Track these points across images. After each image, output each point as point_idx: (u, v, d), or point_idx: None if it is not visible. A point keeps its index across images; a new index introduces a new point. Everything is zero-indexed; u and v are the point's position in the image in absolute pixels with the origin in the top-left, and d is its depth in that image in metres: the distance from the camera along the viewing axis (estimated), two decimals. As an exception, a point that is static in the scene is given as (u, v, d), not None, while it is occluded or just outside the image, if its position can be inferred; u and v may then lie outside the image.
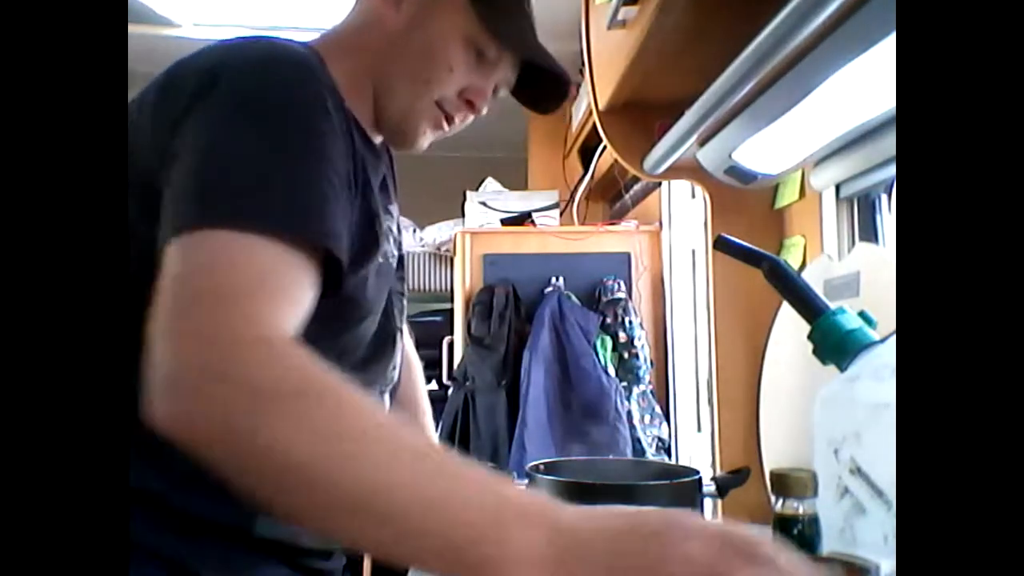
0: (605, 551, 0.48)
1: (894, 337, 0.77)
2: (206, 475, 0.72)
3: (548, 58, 0.87)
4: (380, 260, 0.81)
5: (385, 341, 0.88)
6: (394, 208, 0.92)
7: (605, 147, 1.64)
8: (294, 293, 0.61)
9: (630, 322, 2.19)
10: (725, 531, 0.48)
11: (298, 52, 0.73)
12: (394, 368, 0.92)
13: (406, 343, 1.21)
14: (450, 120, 0.87)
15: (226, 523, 0.74)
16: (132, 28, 2.41)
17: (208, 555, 0.73)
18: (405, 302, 0.96)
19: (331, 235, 0.65)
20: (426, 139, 0.88)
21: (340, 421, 0.53)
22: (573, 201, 2.67)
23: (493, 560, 0.48)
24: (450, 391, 2.35)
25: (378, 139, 0.89)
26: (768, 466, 1.22)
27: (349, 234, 0.71)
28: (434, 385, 2.72)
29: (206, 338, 0.55)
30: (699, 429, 2.05)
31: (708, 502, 1.14)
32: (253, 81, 0.68)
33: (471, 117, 0.88)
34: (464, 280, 2.34)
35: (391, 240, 0.87)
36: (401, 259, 0.95)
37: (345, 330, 0.79)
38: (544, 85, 0.91)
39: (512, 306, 2.23)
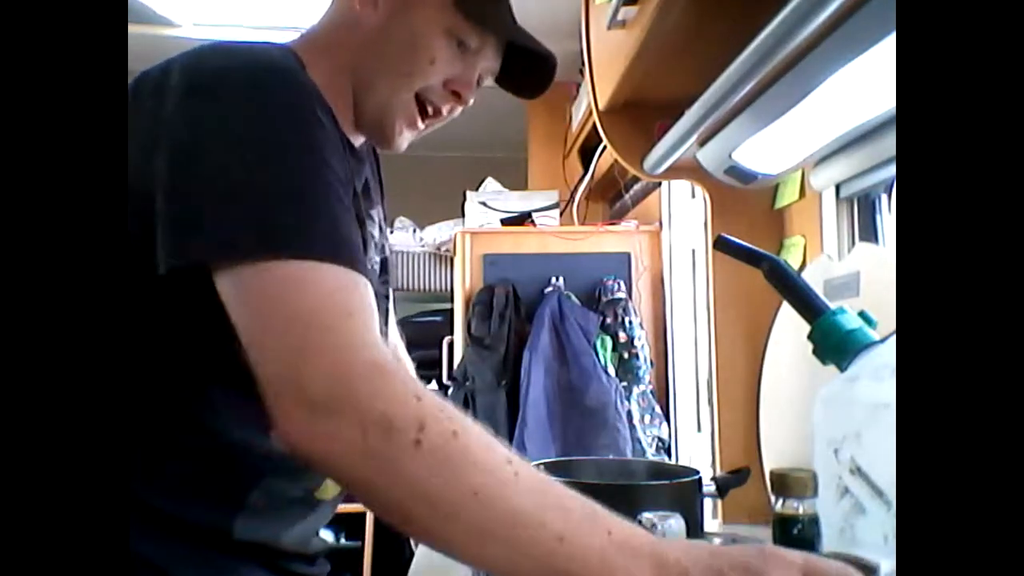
0: None
1: (894, 337, 0.77)
2: (184, 477, 0.72)
3: (531, 40, 0.86)
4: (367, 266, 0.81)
5: None
6: (375, 212, 0.91)
7: (605, 147, 1.64)
8: (371, 308, 0.64)
9: (630, 322, 2.19)
10: (816, 565, 0.55)
11: (283, 58, 0.73)
12: None
13: (398, 346, 1.21)
14: (436, 113, 0.86)
15: (206, 525, 0.74)
16: (132, 28, 2.41)
17: (187, 557, 0.72)
18: (390, 304, 0.96)
19: (359, 251, 0.67)
20: (403, 138, 0.87)
21: (464, 451, 0.57)
22: (573, 201, 2.67)
23: None
24: (450, 391, 2.35)
25: (359, 141, 0.88)
26: (768, 466, 1.22)
27: None
28: (434, 385, 2.72)
29: (321, 361, 0.58)
30: (699, 429, 2.05)
31: (708, 502, 1.14)
32: (252, 93, 0.68)
33: (458, 109, 0.87)
34: (464, 280, 2.34)
35: (373, 245, 0.87)
36: (385, 262, 0.94)
37: None
38: (529, 69, 0.90)
39: (512, 306, 2.23)
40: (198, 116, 0.66)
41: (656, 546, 0.56)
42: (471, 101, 0.87)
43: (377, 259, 0.89)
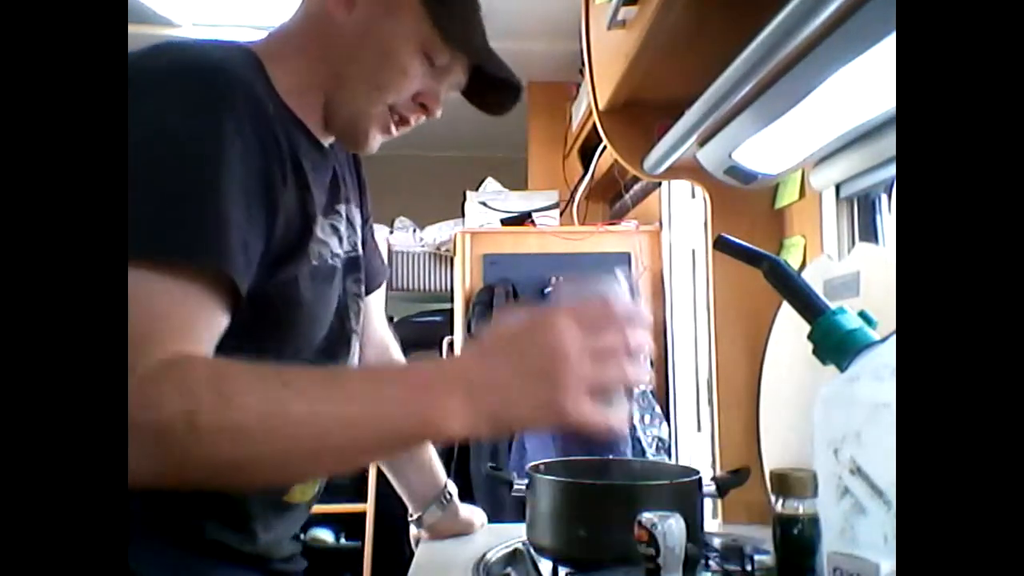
0: (512, 379, 0.61)
1: (894, 337, 0.77)
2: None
3: (500, 66, 0.87)
4: (314, 262, 0.80)
5: (337, 344, 0.87)
6: (344, 208, 0.90)
7: (605, 147, 1.64)
8: (192, 326, 0.64)
9: (630, 322, 2.19)
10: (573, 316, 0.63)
11: (211, 59, 0.72)
12: None
13: (390, 345, 1.20)
14: (403, 122, 0.87)
15: (177, 526, 0.75)
16: (132, 28, 2.41)
17: (157, 558, 0.73)
18: (362, 304, 0.94)
19: (229, 259, 0.66)
20: (376, 142, 0.87)
21: (241, 410, 0.58)
22: (573, 201, 2.67)
23: (438, 432, 0.62)
24: (450, 391, 2.35)
25: (329, 139, 0.88)
26: (768, 466, 1.22)
27: (268, 240, 0.72)
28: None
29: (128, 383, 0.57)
30: (699, 429, 2.05)
31: (708, 502, 1.14)
32: (155, 102, 0.67)
33: (423, 118, 0.88)
34: (464, 280, 2.34)
35: (337, 241, 0.86)
36: (358, 259, 0.93)
37: (281, 334, 0.79)
38: (496, 86, 0.90)
39: (512, 306, 2.23)
40: None
41: (455, 374, 0.63)
42: (438, 114, 0.88)
43: (342, 254, 0.87)
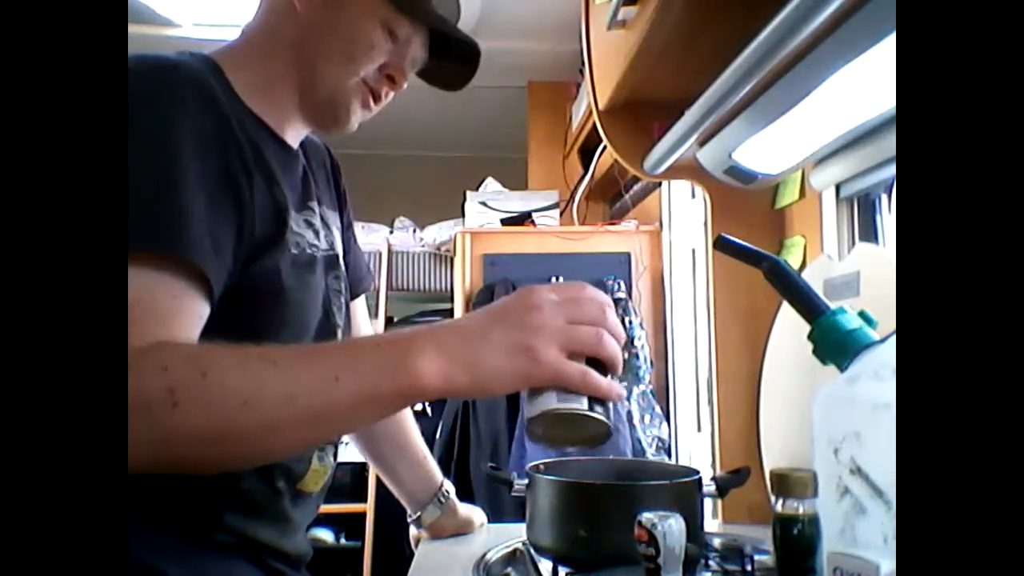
0: (485, 328, 0.64)
1: (894, 337, 0.77)
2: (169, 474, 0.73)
3: (456, 30, 0.91)
4: (294, 251, 0.82)
5: (325, 338, 0.89)
6: (317, 207, 0.92)
7: (605, 147, 1.64)
8: (163, 311, 0.65)
9: (630, 322, 2.19)
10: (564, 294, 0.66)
11: (165, 62, 0.74)
12: None
13: None
14: (376, 97, 0.90)
15: (195, 515, 0.76)
16: (132, 28, 2.41)
17: (174, 552, 0.74)
18: (343, 301, 0.96)
19: (191, 246, 0.67)
20: (356, 118, 0.91)
21: (219, 383, 0.60)
22: (573, 201, 2.68)
23: (413, 381, 0.62)
24: (450, 391, 2.35)
25: (294, 135, 0.91)
26: (768, 466, 1.22)
27: (240, 229, 0.74)
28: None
29: None
30: (699, 429, 2.05)
31: (708, 502, 1.14)
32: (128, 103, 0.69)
33: (392, 93, 0.92)
34: (464, 280, 2.34)
35: (312, 234, 0.88)
36: (337, 258, 0.95)
37: (272, 326, 0.81)
38: (452, 61, 0.94)
39: (512, 306, 2.23)
40: None
41: (418, 330, 0.64)
42: (404, 86, 0.91)
43: (319, 248, 0.89)
